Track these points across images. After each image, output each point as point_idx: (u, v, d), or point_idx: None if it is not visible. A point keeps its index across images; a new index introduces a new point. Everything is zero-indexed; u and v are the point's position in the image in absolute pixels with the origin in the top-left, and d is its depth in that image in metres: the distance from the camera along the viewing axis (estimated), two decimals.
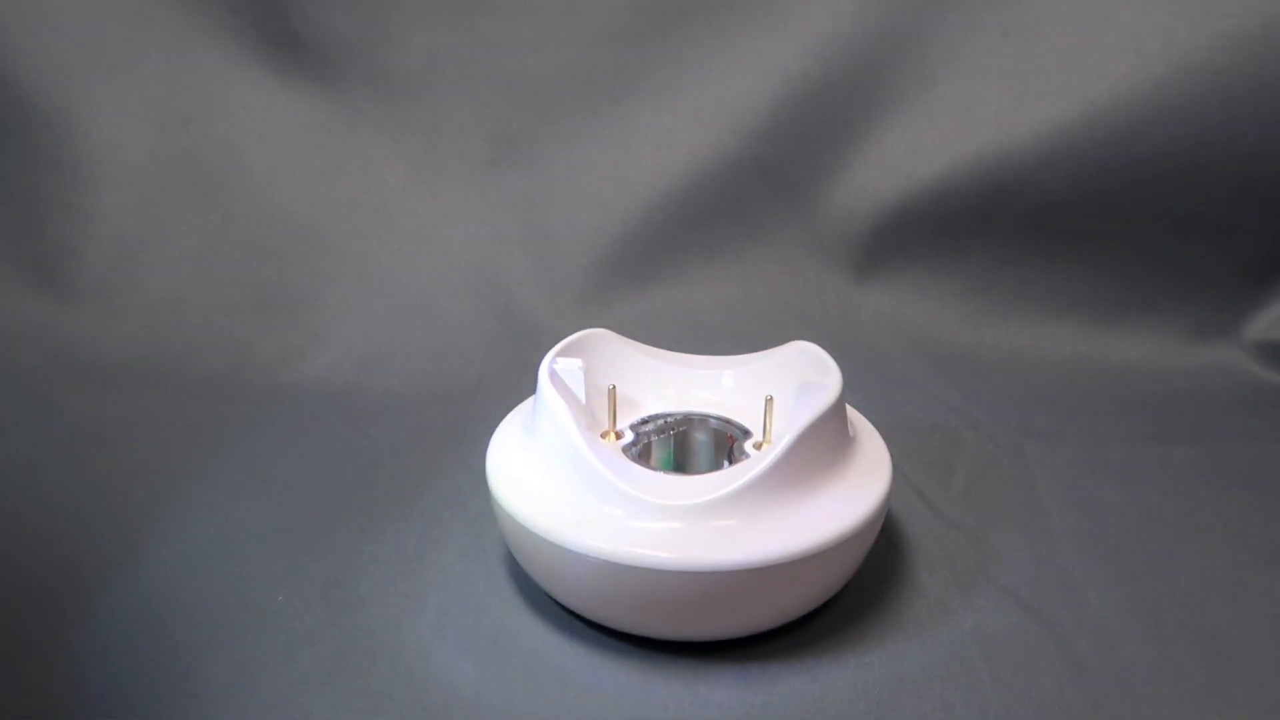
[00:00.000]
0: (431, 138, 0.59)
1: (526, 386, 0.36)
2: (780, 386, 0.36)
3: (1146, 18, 0.52)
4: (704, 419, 0.38)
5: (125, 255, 0.57)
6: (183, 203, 0.58)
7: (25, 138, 0.58)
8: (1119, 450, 0.46)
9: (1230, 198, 0.54)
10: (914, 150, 0.56)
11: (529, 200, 0.59)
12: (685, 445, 0.38)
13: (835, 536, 0.31)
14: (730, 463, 0.36)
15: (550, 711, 0.30)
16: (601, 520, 0.31)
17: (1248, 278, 0.55)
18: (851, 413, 0.38)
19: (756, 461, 0.31)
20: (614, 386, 0.37)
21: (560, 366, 0.36)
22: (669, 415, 0.38)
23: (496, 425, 0.38)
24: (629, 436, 0.37)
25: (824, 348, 0.37)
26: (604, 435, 0.37)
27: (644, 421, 0.38)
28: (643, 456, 0.37)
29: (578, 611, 0.34)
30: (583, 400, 0.36)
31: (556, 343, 0.37)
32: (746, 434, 0.37)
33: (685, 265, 0.58)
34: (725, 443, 0.37)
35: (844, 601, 0.35)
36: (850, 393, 0.35)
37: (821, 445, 0.33)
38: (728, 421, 0.38)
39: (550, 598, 0.35)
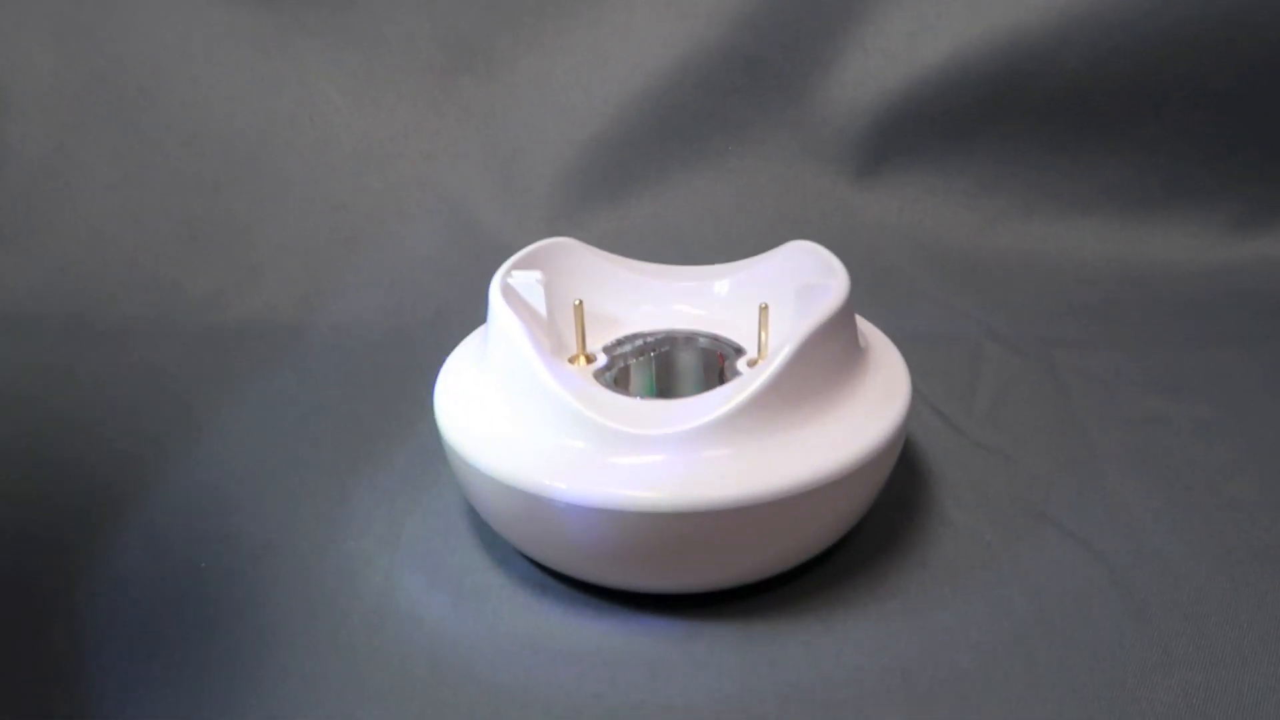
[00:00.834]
0: (376, 46, 0.56)
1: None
2: (776, 294, 0.33)
3: None
4: (689, 336, 0.35)
5: (34, 190, 0.53)
6: (97, 129, 0.54)
7: None
8: (1161, 358, 0.43)
9: (1273, 69, 0.51)
10: (917, 33, 0.53)
11: (488, 110, 0.56)
12: (668, 368, 0.34)
13: (847, 464, 0.27)
14: (722, 385, 0.32)
15: (521, 681, 0.27)
16: (571, 458, 0.27)
17: None
18: (861, 322, 0.34)
19: (751, 379, 0.28)
20: (580, 302, 0.33)
21: (516, 281, 0.32)
22: (648, 334, 0.35)
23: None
24: (602, 360, 0.33)
25: None
26: (572, 360, 0.33)
27: (619, 342, 0.34)
28: (619, 383, 0.33)
29: (549, 565, 0.30)
30: (545, 319, 0.32)
31: None
32: (739, 351, 0.33)
33: (665, 174, 0.55)
34: (715, 362, 0.34)
35: (859, 540, 0.32)
36: (855, 305, 0.32)
37: (827, 357, 0.29)
38: (717, 338, 0.34)
39: (518, 552, 0.32)
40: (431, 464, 0.36)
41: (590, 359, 0.33)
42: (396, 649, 0.28)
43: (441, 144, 0.55)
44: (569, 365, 0.32)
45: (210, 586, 0.31)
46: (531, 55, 0.55)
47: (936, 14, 0.52)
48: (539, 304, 0.32)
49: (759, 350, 0.32)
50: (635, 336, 0.34)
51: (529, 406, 0.28)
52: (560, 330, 0.33)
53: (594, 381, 0.31)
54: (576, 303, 0.33)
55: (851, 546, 0.31)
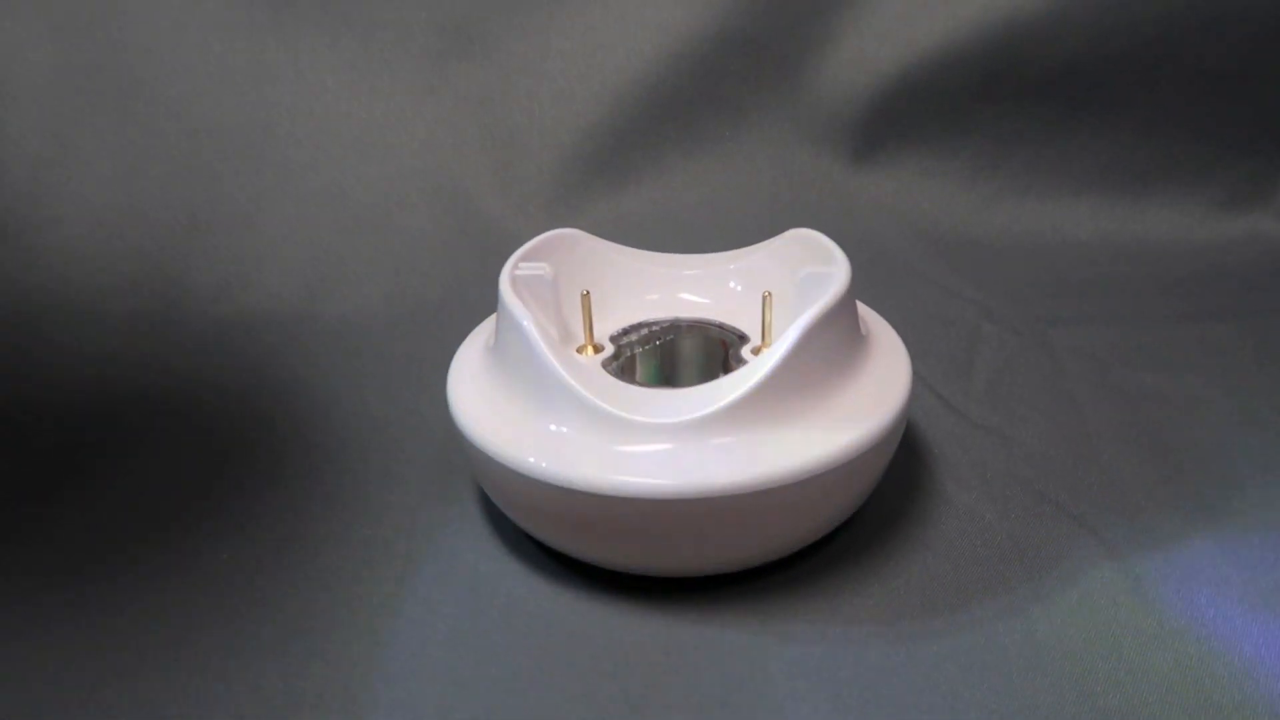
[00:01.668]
0: (371, 32, 0.55)
1: (494, 303, 0.33)
2: (779, 281, 0.33)
3: None
4: (694, 325, 0.35)
5: (35, 183, 0.52)
6: (96, 121, 0.53)
7: None
8: (1153, 333, 0.44)
9: (1263, 48, 0.50)
10: (912, 14, 0.52)
11: (486, 96, 0.55)
12: (673, 356, 0.34)
13: (852, 449, 0.28)
14: (726, 372, 0.32)
15: (536, 664, 0.27)
16: (582, 446, 0.28)
17: None
18: (861, 308, 0.34)
19: (757, 367, 0.28)
20: (588, 293, 0.33)
21: (524, 272, 0.32)
22: (653, 323, 0.35)
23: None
24: (609, 349, 0.33)
25: None
26: (580, 350, 0.33)
27: (625, 332, 0.34)
28: (625, 371, 0.33)
29: (562, 550, 0.31)
30: (553, 310, 0.32)
31: None
32: (743, 339, 0.34)
33: (663, 159, 0.55)
34: (719, 350, 0.34)
35: (863, 522, 0.32)
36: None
37: (831, 343, 0.29)
38: (721, 326, 0.35)
39: (530, 537, 0.32)
40: (442, 450, 0.37)
41: (598, 348, 0.33)
42: (416, 633, 0.28)
43: (438, 130, 0.55)
44: (577, 355, 0.33)
45: (233, 576, 0.31)
46: (528, 40, 0.54)
47: None
48: (547, 295, 0.32)
49: (763, 336, 0.32)
50: (641, 325, 0.35)
51: (542, 396, 0.29)
52: (567, 320, 0.33)
53: (603, 371, 0.31)
54: (584, 293, 0.33)
55: (856, 528, 0.32)
